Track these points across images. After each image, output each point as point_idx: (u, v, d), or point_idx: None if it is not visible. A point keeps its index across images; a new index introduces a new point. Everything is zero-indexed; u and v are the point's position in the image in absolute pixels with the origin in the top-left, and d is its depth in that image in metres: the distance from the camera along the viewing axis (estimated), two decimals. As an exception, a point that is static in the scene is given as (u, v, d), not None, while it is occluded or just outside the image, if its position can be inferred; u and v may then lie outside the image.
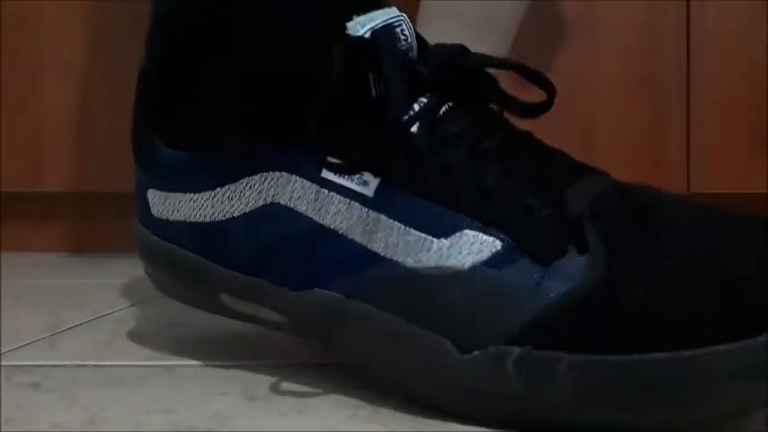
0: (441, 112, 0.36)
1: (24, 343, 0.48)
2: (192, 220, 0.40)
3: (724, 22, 1.07)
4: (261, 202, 0.37)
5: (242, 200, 0.38)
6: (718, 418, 0.31)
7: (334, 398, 0.36)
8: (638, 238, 0.32)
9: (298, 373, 0.40)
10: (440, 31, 0.50)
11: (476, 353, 0.32)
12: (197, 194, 0.39)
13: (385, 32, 0.35)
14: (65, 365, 0.42)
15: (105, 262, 0.97)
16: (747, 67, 1.07)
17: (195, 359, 0.43)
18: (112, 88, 1.06)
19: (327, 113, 0.35)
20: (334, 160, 0.36)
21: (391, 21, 0.36)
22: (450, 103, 0.36)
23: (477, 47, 0.38)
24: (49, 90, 1.06)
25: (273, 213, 0.37)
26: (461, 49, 0.37)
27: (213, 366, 0.42)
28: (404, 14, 0.37)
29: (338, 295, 0.36)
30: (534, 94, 0.38)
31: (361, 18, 0.36)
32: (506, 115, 0.38)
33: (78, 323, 0.54)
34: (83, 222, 1.11)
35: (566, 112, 1.01)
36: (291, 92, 0.37)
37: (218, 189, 0.38)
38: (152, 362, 0.43)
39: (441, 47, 0.37)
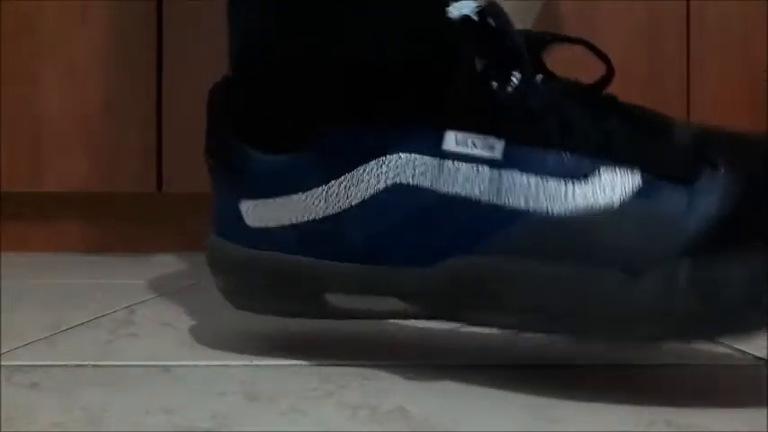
0: (538, 82, 0.38)
1: (24, 343, 0.48)
2: (301, 220, 0.40)
3: (724, 22, 1.07)
4: (381, 186, 0.38)
5: (360, 187, 0.38)
6: None
7: (334, 398, 0.36)
8: (744, 157, 0.35)
9: (298, 373, 0.41)
10: None
11: (647, 275, 0.34)
12: (306, 193, 0.39)
13: (489, 12, 0.37)
14: (65, 365, 0.42)
15: (105, 262, 0.97)
16: (747, 66, 1.07)
17: (195, 359, 0.43)
18: (112, 88, 1.06)
19: (453, 91, 0.37)
20: (458, 132, 0.37)
21: (480, 4, 0.38)
22: (540, 76, 0.38)
23: None
24: (49, 90, 1.06)
25: (395, 194, 0.38)
26: (526, 30, 0.40)
27: (213, 366, 0.42)
28: None
29: (480, 258, 0.36)
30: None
31: (458, 3, 0.37)
32: None
33: (78, 323, 0.54)
34: (83, 222, 1.11)
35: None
36: (399, 75, 0.38)
37: (333, 182, 0.39)
38: (152, 362, 0.43)
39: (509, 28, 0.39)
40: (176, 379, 0.40)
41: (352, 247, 0.39)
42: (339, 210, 0.39)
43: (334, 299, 0.40)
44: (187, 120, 1.06)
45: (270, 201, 0.40)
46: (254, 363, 0.42)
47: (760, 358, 0.43)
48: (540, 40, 0.39)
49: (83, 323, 0.54)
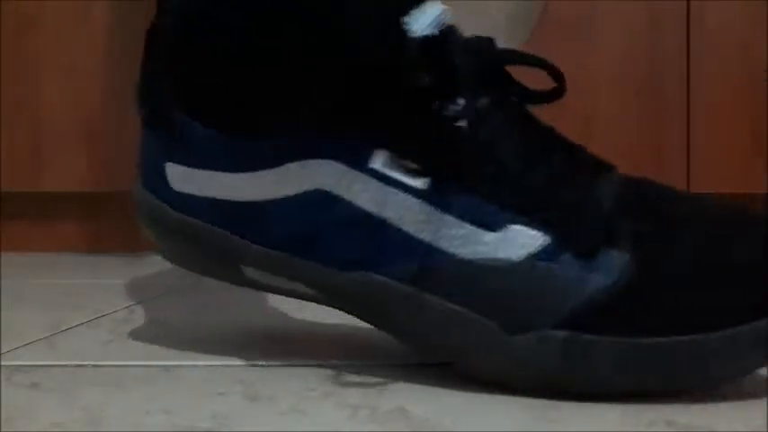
0: (480, 106, 0.38)
1: (24, 343, 0.48)
2: (223, 198, 0.40)
3: (724, 22, 1.07)
4: (305, 188, 0.38)
5: (284, 183, 0.39)
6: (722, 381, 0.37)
7: (334, 398, 0.36)
8: (659, 232, 0.36)
9: (298, 373, 0.41)
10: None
11: (525, 335, 0.35)
12: (233, 175, 0.40)
13: (449, 29, 0.37)
14: (65, 365, 0.42)
15: (105, 262, 0.97)
16: (747, 67, 1.07)
17: (195, 359, 0.43)
18: (112, 88, 1.06)
19: (390, 110, 0.37)
20: (388, 153, 0.37)
21: (441, 15, 0.38)
22: (487, 98, 0.38)
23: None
24: (49, 90, 1.06)
25: (317, 199, 0.38)
26: (491, 42, 0.39)
27: (213, 366, 0.42)
28: (446, 6, 0.38)
29: (394, 281, 0.37)
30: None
31: (416, 13, 0.37)
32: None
33: (78, 323, 0.54)
34: (83, 222, 1.11)
35: (565, 112, 1.01)
36: (342, 81, 0.38)
37: (261, 172, 0.39)
38: (152, 362, 0.43)
39: (475, 40, 0.38)
40: (176, 379, 0.40)
41: (269, 234, 0.39)
42: (263, 199, 0.39)
43: (249, 271, 0.41)
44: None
45: (197, 171, 0.41)
46: (254, 363, 0.42)
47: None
48: (497, 60, 0.38)
49: (83, 323, 0.54)
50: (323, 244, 0.38)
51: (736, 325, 0.34)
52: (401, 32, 0.37)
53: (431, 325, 0.37)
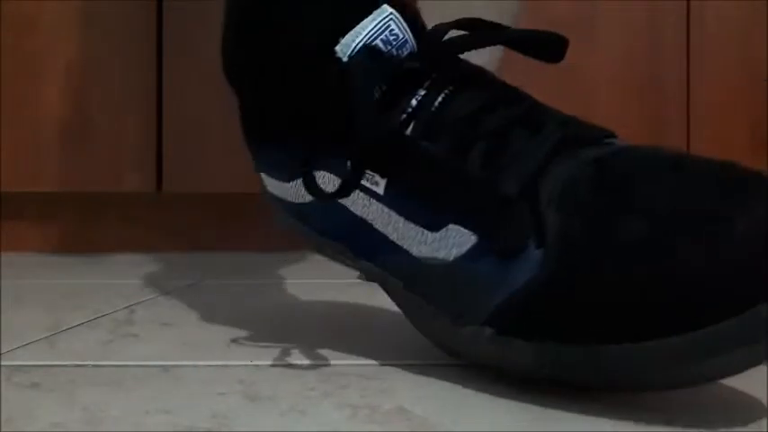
0: (437, 102, 0.39)
1: (24, 343, 0.48)
2: (291, 200, 0.45)
3: (724, 22, 1.07)
4: (303, 192, 0.43)
5: (305, 190, 0.42)
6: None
7: (334, 398, 0.36)
8: (596, 229, 0.34)
9: (298, 373, 0.41)
10: None
11: (465, 329, 0.37)
12: (285, 184, 0.45)
13: (360, 58, 0.39)
14: (65, 365, 0.42)
15: (105, 262, 0.97)
16: (747, 67, 1.07)
17: (195, 359, 0.43)
18: (112, 88, 1.06)
19: (348, 123, 0.39)
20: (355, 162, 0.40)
21: (376, 30, 0.39)
22: (450, 89, 0.39)
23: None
24: (49, 90, 1.06)
25: (326, 204, 0.42)
26: (440, 34, 0.40)
27: (213, 366, 0.42)
28: (393, 11, 0.39)
29: (378, 269, 0.41)
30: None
31: (348, 37, 0.39)
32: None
33: (78, 323, 0.54)
34: (83, 222, 1.11)
35: (565, 112, 1.01)
36: (313, 99, 0.41)
37: (293, 182, 0.44)
38: (152, 362, 0.43)
39: (436, 31, 0.40)
40: (176, 379, 0.40)
41: (314, 227, 0.44)
42: (302, 202, 0.44)
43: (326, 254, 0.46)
44: (187, 120, 1.06)
45: (269, 179, 0.46)
46: (254, 363, 0.42)
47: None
48: (454, 47, 0.39)
49: (83, 323, 0.54)
50: (341, 239, 0.43)
51: (634, 340, 0.32)
52: (332, 56, 0.39)
53: (405, 309, 0.41)
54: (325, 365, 0.42)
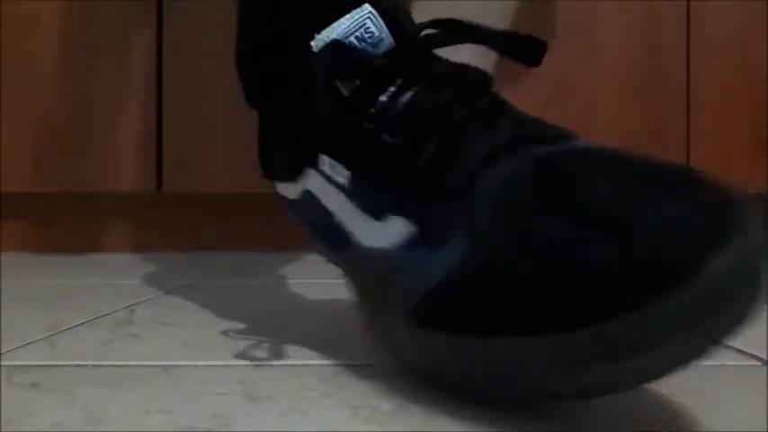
0: (405, 98, 0.39)
1: (24, 343, 0.48)
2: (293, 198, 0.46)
3: (724, 22, 1.07)
4: (305, 188, 0.44)
5: (298, 187, 0.44)
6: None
7: (334, 398, 0.36)
8: (514, 225, 0.34)
9: (298, 373, 0.41)
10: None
11: (395, 317, 0.38)
12: (285, 183, 0.46)
13: (324, 53, 0.40)
14: (65, 365, 0.42)
15: (105, 262, 0.97)
16: (747, 67, 1.07)
17: (195, 359, 0.43)
18: (112, 88, 1.06)
19: (317, 117, 0.40)
20: (325, 157, 0.41)
21: (351, 27, 0.40)
22: (421, 86, 0.39)
23: (465, 49, 0.41)
24: (48, 90, 1.06)
25: (308, 198, 0.44)
26: (444, 26, 0.41)
27: (213, 366, 0.42)
28: (372, 9, 0.40)
29: (342, 261, 0.43)
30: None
31: (324, 33, 0.40)
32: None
33: (78, 323, 0.54)
34: (83, 222, 1.11)
35: (565, 112, 1.01)
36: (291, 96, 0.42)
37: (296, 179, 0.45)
38: (152, 362, 0.43)
39: (412, 30, 0.41)
40: (176, 379, 0.40)
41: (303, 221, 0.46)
42: (297, 196, 0.45)
43: None
44: (187, 120, 1.06)
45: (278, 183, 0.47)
46: (254, 363, 0.42)
47: (760, 358, 0.43)
48: (426, 44, 0.40)
49: (83, 323, 0.54)
50: (320, 231, 0.44)
51: (523, 335, 0.31)
52: (303, 52, 0.40)
53: (362, 304, 0.42)
54: (326, 365, 0.42)
